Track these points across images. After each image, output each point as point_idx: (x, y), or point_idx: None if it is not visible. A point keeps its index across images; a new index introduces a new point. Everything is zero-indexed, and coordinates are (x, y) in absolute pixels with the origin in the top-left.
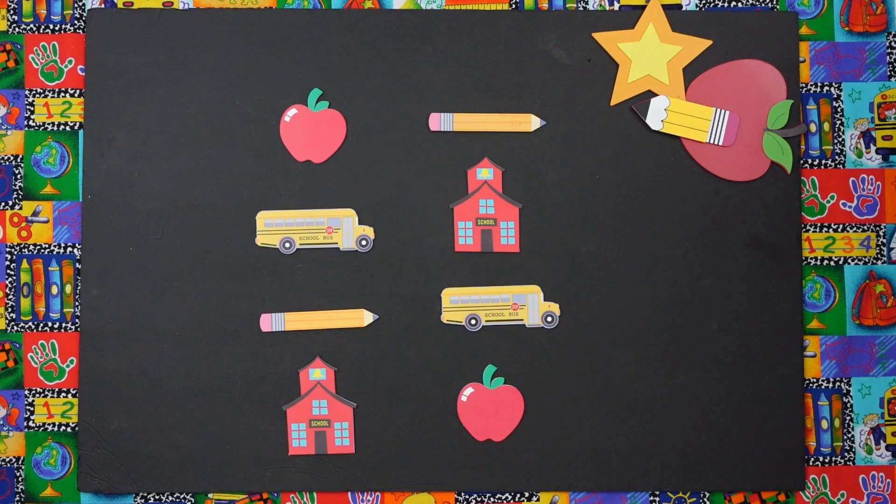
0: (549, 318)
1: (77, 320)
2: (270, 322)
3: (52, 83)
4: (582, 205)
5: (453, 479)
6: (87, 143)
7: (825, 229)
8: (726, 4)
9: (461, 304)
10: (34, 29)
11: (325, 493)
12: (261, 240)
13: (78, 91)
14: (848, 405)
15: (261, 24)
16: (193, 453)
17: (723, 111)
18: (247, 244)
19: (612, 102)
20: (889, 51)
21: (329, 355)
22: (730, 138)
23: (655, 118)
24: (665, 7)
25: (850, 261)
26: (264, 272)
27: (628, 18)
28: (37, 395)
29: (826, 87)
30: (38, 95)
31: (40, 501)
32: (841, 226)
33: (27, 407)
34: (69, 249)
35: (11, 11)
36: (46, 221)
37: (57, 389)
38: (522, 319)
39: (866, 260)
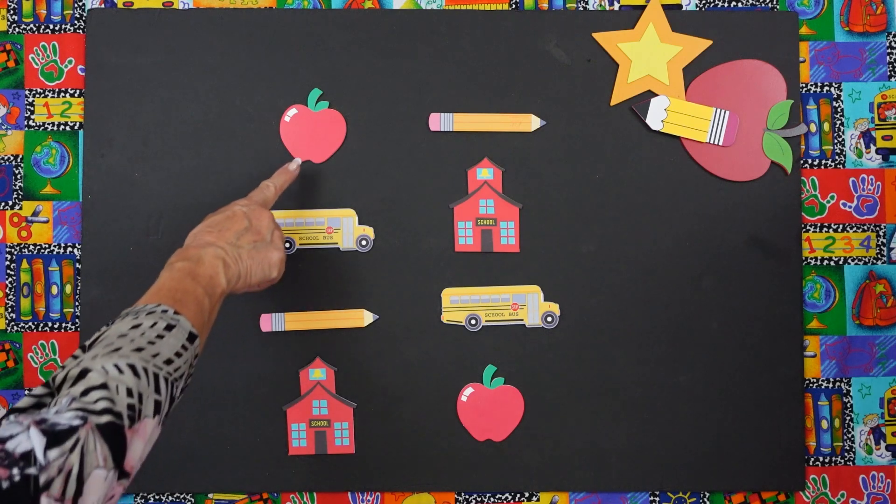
0: (549, 318)
1: (77, 320)
2: (270, 322)
3: (52, 83)
4: (582, 205)
5: (453, 479)
6: (87, 143)
7: (825, 229)
8: (726, 4)
9: (461, 304)
10: (34, 29)
11: (325, 493)
12: None
13: (78, 91)
14: (848, 405)
15: (261, 24)
16: (193, 453)
17: (723, 111)
18: None
19: (612, 102)
20: (889, 51)
21: (329, 355)
22: (730, 138)
23: (655, 118)
24: (665, 7)
25: (850, 261)
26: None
27: (628, 18)
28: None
29: (826, 87)
30: (38, 95)
31: None
32: (841, 226)
33: None
34: (69, 249)
35: (11, 11)
36: (46, 221)
37: None
38: (522, 319)
39: (866, 260)
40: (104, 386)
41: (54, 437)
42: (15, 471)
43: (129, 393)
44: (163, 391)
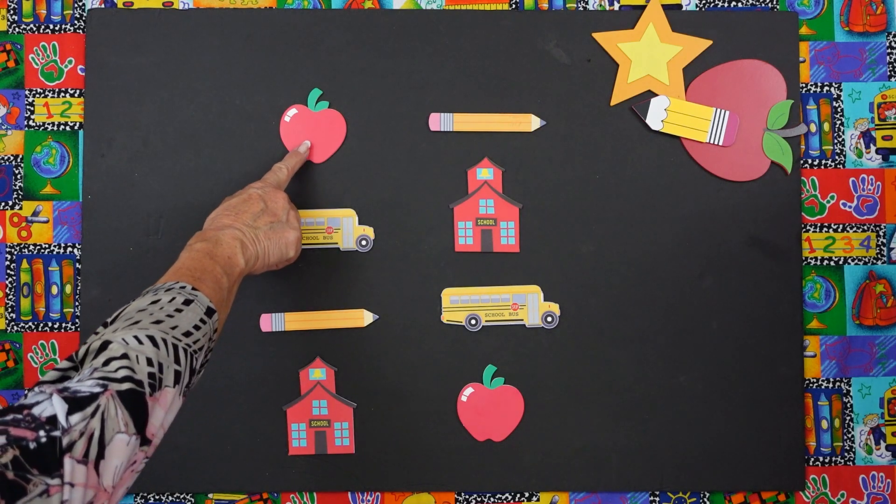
0: (549, 318)
1: (77, 320)
2: (270, 322)
3: (52, 83)
4: (582, 205)
5: (453, 479)
6: (87, 143)
7: (825, 229)
8: (726, 4)
9: (461, 304)
10: (34, 29)
11: (325, 493)
12: None
13: (78, 91)
14: (848, 405)
15: (261, 24)
16: (193, 453)
17: (723, 111)
18: None
19: (612, 102)
20: (889, 51)
21: (329, 355)
22: (730, 138)
23: (655, 118)
24: (665, 7)
25: (850, 261)
26: (264, 272)
27: (628, 18)
28: None
29: (826, 87)
30: (38, 95)
31: None
32: (841, 226)
33: None
34: (69, 249)
35: (11, 11)
36: (46, 221)
37: None
38: (522, 319)
39: (866, 260)
40: (125, 356)
41: (76, 402)
42: (41, 433)
43: (150, 362)
44: (182, 362)
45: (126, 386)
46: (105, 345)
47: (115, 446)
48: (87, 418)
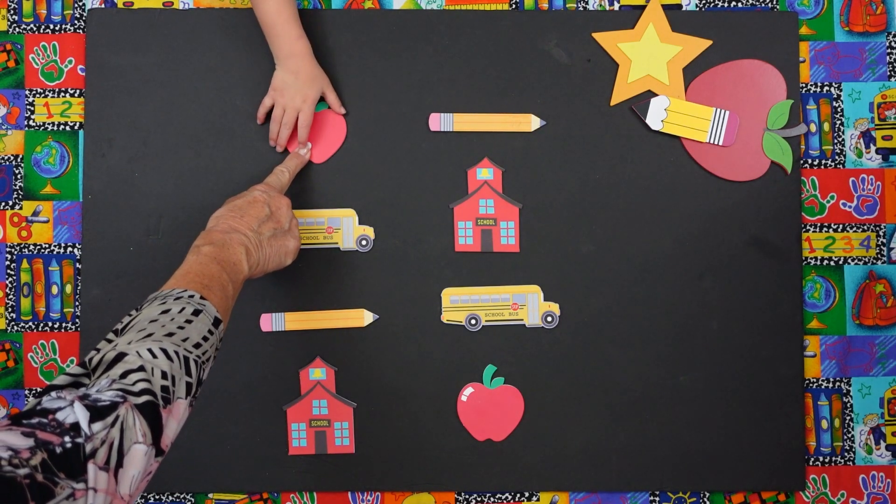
0: (549, 318)
1: (77, 320)
2: (270, 322)
3: (52, 83)
4: (582, 205)
5: (453, 479)
6: (87, 143)
7: (825, 229)
8: (726, 4)
9: (461, 304)
10: (34, 29)
11: (325, 493)
12: None
13: (78, 91)
14: (848, 405)
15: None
16: (193, 453)
17: (723, 111)
18: None
19: (612, 102)
20: (889, 51)
21: (329, 355)
22: (730, 138)
23: (655, 118)
24: (665, 7)
25: (850, 261)
26: None
27: (628, 18)
28: (37, 395)
29: (826, 87)
30: (38, 95)
31: None
32: (841, 226)
33: None
34: (69, 249)
35: (11, 11)
36: (46, 221)
37: None
38: (522, 319)
39: (866, 260)
40: (141, 368)
41: (97, 411)
42: (66, 438)
43: (164, 375)
44: (193, 374)
45: (144, 399)
46: (120, 356)
47: (133, 456)
48: (108, 427)
